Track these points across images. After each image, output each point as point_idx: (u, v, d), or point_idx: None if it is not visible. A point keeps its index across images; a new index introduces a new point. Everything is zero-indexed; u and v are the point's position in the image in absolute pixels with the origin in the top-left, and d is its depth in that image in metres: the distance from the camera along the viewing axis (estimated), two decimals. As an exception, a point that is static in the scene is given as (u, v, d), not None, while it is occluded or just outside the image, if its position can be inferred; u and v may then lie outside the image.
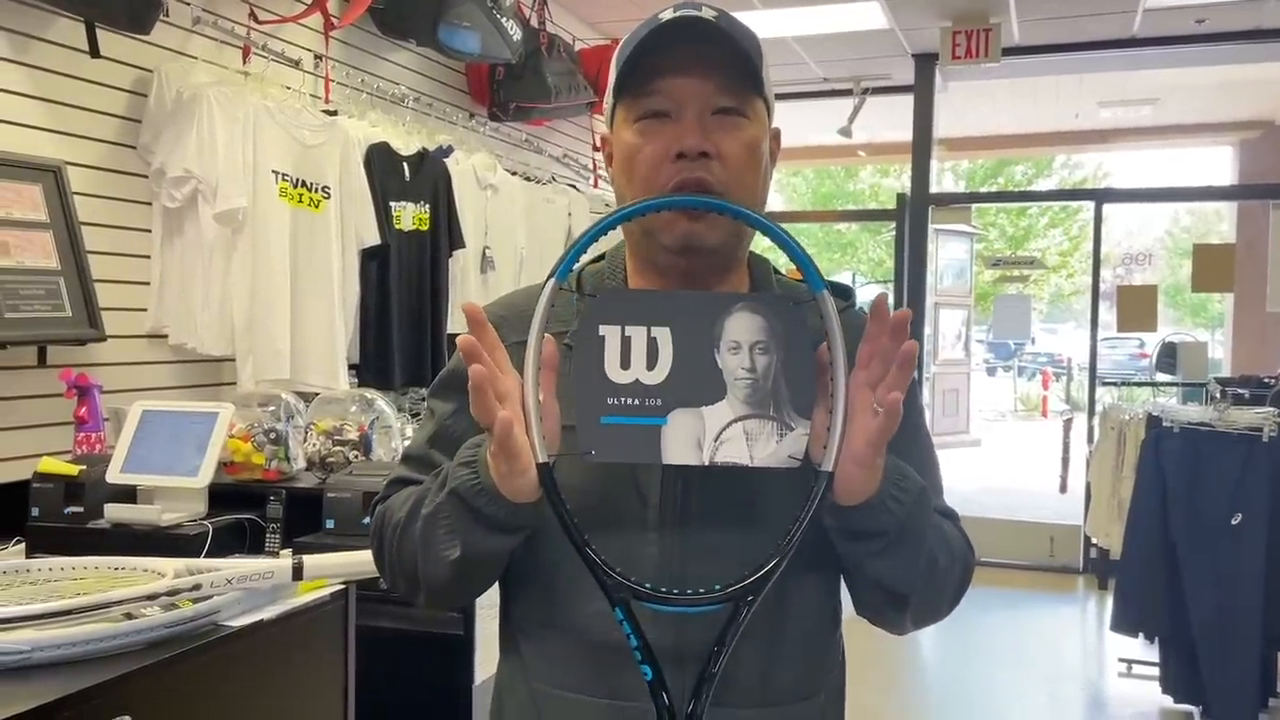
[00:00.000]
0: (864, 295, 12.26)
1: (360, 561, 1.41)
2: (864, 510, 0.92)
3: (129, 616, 1.21)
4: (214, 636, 1.27)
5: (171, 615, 1.22)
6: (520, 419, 0.87)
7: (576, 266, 1.17)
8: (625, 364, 0.89)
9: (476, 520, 0.94)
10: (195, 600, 1.27)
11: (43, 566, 1.36)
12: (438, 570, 0.98)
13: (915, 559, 0.98)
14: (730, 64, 1.00)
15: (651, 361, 0.89)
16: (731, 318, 0.89)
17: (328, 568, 1.41)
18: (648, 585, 0.88)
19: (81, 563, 1.35)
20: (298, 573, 1.36)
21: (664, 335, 0.89)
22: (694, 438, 0.88)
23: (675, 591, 0.89)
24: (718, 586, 0.89)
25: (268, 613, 1.36)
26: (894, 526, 0.94)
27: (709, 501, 0.99)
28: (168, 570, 1.27)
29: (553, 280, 0.88)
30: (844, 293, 1.21)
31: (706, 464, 0.88)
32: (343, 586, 1.52)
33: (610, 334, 0.89)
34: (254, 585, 1.30)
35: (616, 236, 1.19)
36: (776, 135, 1.10)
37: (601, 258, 1.17)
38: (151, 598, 1.18)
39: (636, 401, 0.88)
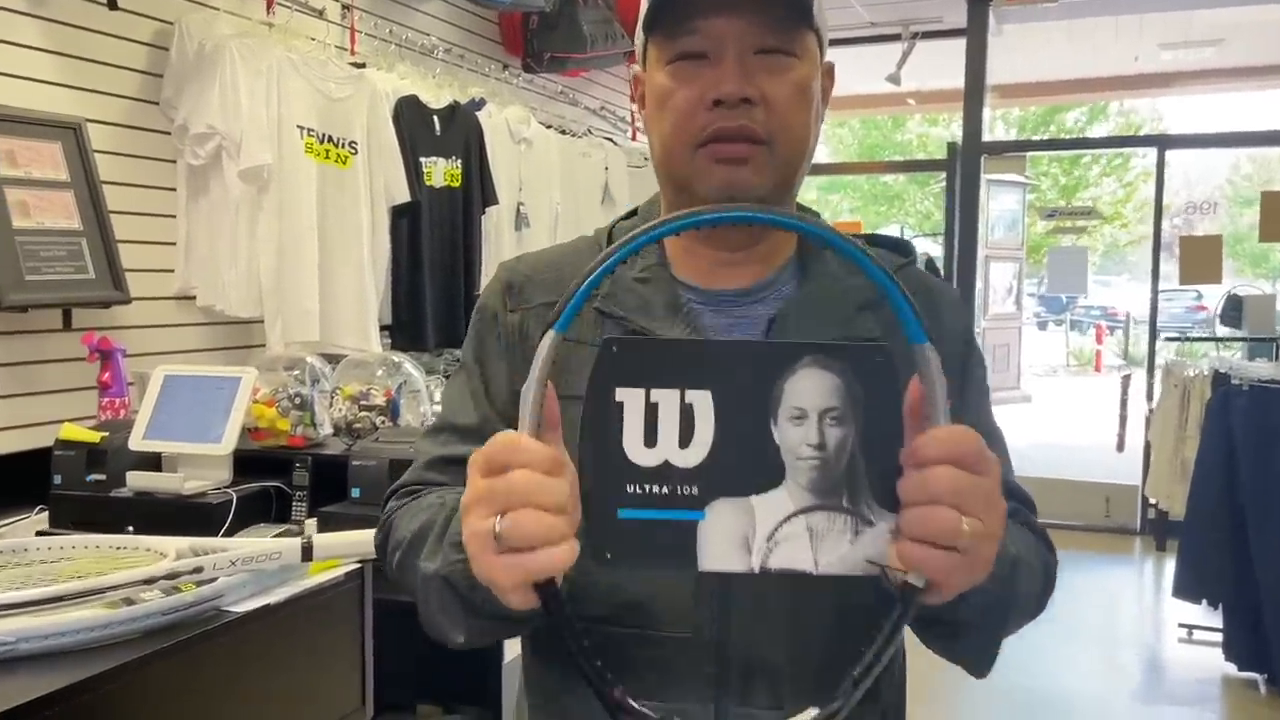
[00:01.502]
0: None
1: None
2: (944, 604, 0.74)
3: (127, 602, 1.13)
4: (218, 623, 1.18)
5: (170, 600, 1.14)
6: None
7: (604, 226, 1.07)
8: (651, 440, 0.68)
9: (477, 613, 0.80)
10: (198, 584, 1.19)
11: (40, 545, 1.29)
12: (445, 638, 0.86)
13: (997, 633, 0.86)
14: None
15: (686, 436, 0.68)
16: (795, 377, 0.68)
17: (339, 547, 1.33)
18: None
19: (82, 541, 1.28)
20: (307, 553, 1.28)
21: (703, 400, 0.68)
22: (741, 536, 0.68)
23: None
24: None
25: (276, 596, 1.28)
26: (977, 614, 0.79)
27: (756, 599, 0.87)
28: (170, 550, 1.20)
29: (552, 332, 0.67)
30: (902, 248, 1.08)
31: (757, 571, 0.68)
32: (358, 566, 1.43)
33: (630, 400, 0.68)
34: (260, 567, 1.21)
35: (647, 190, 1.08)
36: (829, 71, 0.97)
37: (634, 213, 1.06)
38: (149, 581, 1.10)
39: (666, 490, 0.68)
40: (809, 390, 0.68)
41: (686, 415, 0.68)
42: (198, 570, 1.16)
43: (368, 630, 1.46)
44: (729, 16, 0.87)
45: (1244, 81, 9.52)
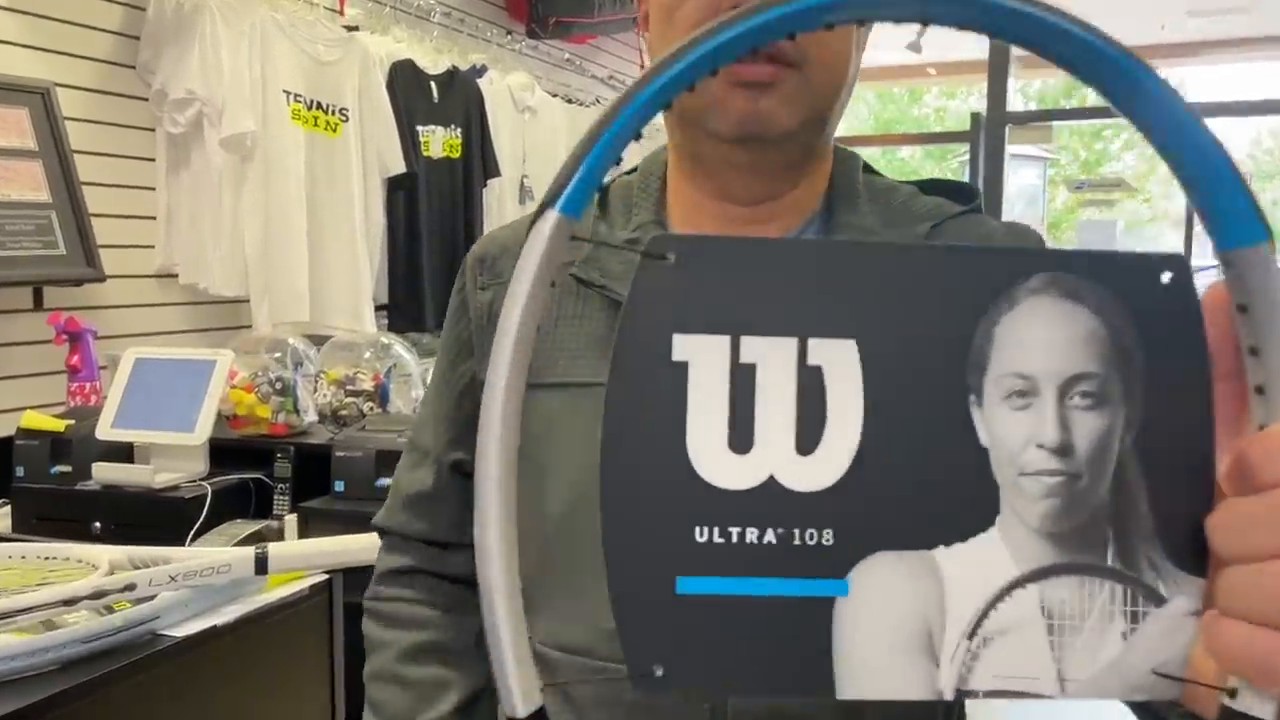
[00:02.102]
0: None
1: (342, 549, 1.16)
2: None
3: (48, 626, 0.97)
4: (153, 649, 1.02)
5: (97, 624, 0.97)
6: None
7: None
8: (743, 440, 0.36)
9: None
10: (135, 601, 1.03)
11: (-41, 557, 1.14)
12: None
13: None
14: None
15: (811, 432, 0.36)
16: (1014, 315, 0.37)
17: (300, 557, 1.16)
18: None
19: (5, 551, 1.12)
20: (262, 565, 1.11)
21: (841, 359, 0.36)
22: (919, 629, 0.37)
23: None
24: None
25: (225, 615, 1.11)
26: None
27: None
28: (103, 562, 1.04)
29: (554, 212, 0.36)
30: (960, 191, 0.80)
31: (950, 698, 0.36)
32: (324, 578, 1.26)
33: (703, 359, 0.36)
34: (206, 582, 1.04)
35: (661, 138, 0.89)
36: None
37: (635, 170, 0.88)
38: (70, 601, 0.94)
39: (772, 536, 0.36)
40: (1042, 341, 0.36)
41: (812, 389, 0.36)
42: (130, 587, 0.99)
43: (338, 650, 1.28)
44: None
45: (1273, 49, 9.26)
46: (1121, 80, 0.35)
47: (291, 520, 1.79)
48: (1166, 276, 0.37)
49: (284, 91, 2.58)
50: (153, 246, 2.54)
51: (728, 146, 0.72)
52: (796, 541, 0.36)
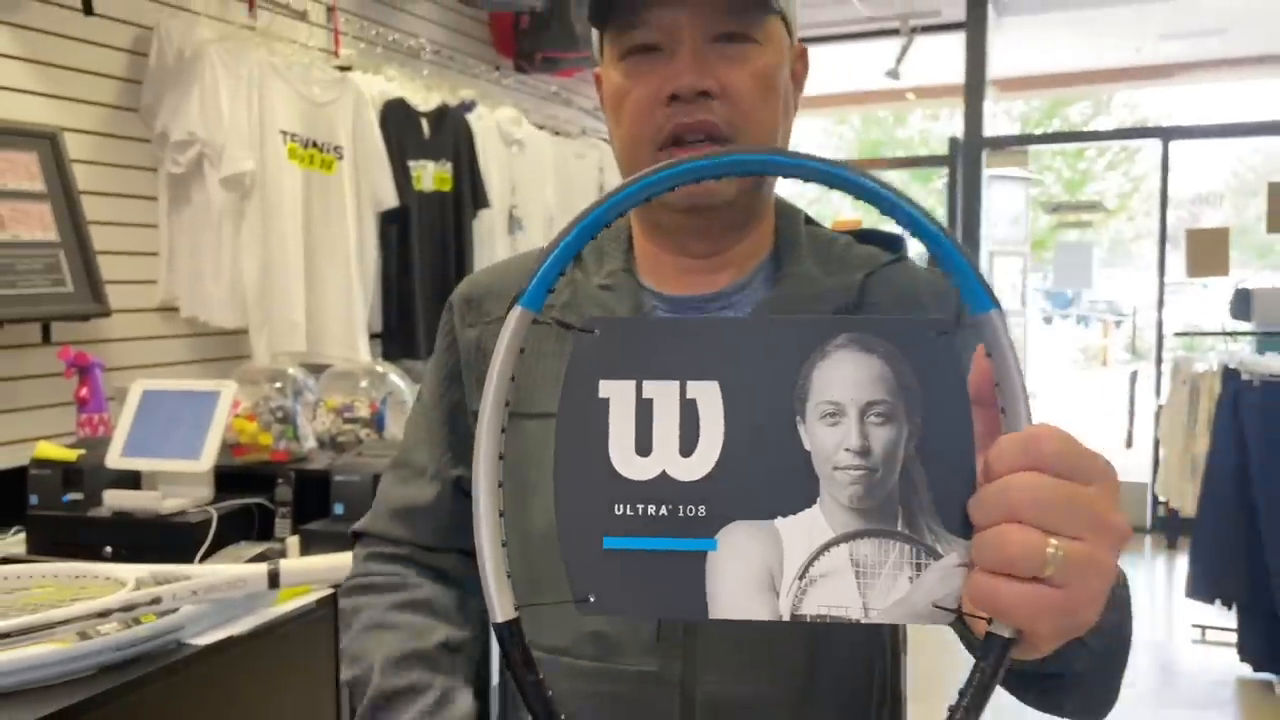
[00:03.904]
0: (915, 247, 11.89)
1: (346, 565, 1.25)
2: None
3: (82, 636, 1.07)
4: (177, 656, 1.12)
5: (127, 634, 1.07)
6: None
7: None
8: (644, 447, 0.54)
9: None
10: (160, 614, 1.12)
11: (-4, 576, 1.23)
12: None
13: (1116, 681, 0.70)
14: None
15: (689, 441, 0.53)
16: (826, 363, 0.53)
17: (309, 573, 1.26)
18: None
19: (40, 571, 1.21)
20: (274, 580, 1.21)
21: (709, 395, 0.53)
22: (764, 572, 0.52)
23: None
24: None
25: (241, 626, 1.21)
26: (1091, 664, 0.64)
27: (726, 630, 0.80)
28: (129, 580, 1.13)
29: (519, 308, 0.54)
30: (892, 242, 0.99)
31: (787, 618, 0.52)
32: (330, 591, 1.36)
33: (618, 396, 0.54)
34: (224, 596, 1.15)
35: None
36: (801, 55, 0.90)
37: None
38: (104, 614, 1.04)
39: (665, 511, 0.53)
40: (846, 379, 0.53)
41: (689, 414, 0.53)
42: (156, 601, 1.09)
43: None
44: (679, 4, 0.80)
45: (1248, 71, 9.43)
46: (897, 210, 0.52)
47: (294, 542, 1.88)
48: (938, 333, 0.53)
49: (281, 132, 2.69)
50: (154, 282, 2.63)
51: (680, 215, 0.83)
52: (681, 514, 0.53)
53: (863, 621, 0.52)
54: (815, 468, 0.53)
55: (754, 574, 0.52)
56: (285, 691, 1.32)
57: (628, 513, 0.53)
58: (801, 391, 0.53)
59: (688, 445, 0.53)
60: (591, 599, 0.53)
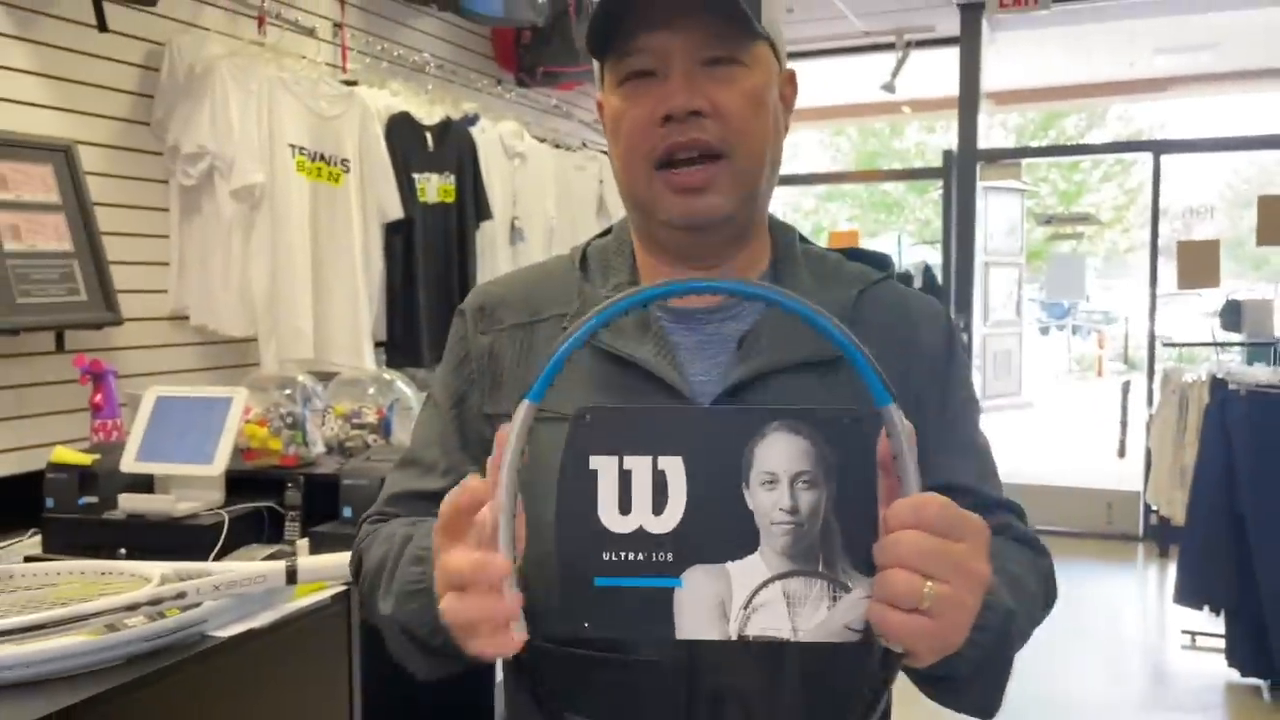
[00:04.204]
0: (911, 257, 11.98)
1: (361, 562, 1.32)
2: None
3: (111, 628, 1.13)
4: (201, 648, 1.18)
5: (154, 626, 1.14)
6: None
7: (579, 244, 1.06)
8: (625, 507, 0.68)
9: (435, 653, 0.83)
10: (183, 609, 1.18)
11: (26, 572, 1.29)
12: (409, 668, 0.89)
13: (999, 681, 0.84)
14: (716, 7, 0.86)
15: (659, 503, 0.68)
16: (764, 442, 0.68)
17: (325, 570, 1.32)
18: None
19: (67, 567, 1.27)
20: (292, 576, 1.27)
21: (675, 467, 0.68)
22: (717, 603, 0.68)
23: None
24: None
25: (261, 619, 1.28)
26: (972, 669, 0.78)
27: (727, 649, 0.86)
28: (154, 575, 1.19)
29: (526, 402, 0.68)
30: (879, 261, 1.07)
31: (734, 638, 0.68)
32: (344, 588, 1.43)
33: (604, 468, 0.68)
34: (245, 591, 1.21)
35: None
36: (790, 79, 0.97)
37: (609, 231, 1.05)
38: (132, 607, 1.10)
39: (641, 556, 0.68)
40: (779, 455, 0.68)
41: (659, 481, 0.68)
42: (181, 595, 1.15)
43: (355, 652, 1.45)
44: (670, 31, 0.86)
45: (1240, 85, 9.52)
46: (811, 323, 0.68)
47: (303, 544, 1.94)
48: (847, 421, 0.68)
49: (290, 145, 2.75)
50: (165, 291, 2.69)
51: (679, 231, 0.90)
52: (654, 559, 0.68)
53: (791, 640, 0.68)
54: (756, 523, 0.68)
55: (710, 605, 0.68)
56: (302, 681, 1.39)
57: (613, 558, 0.68)
58: (746, 464, 0.68)
59: (659, 506, 0.68)
60: (586, 625, 0.69)
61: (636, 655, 0.87)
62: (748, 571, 0.68)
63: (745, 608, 0.67)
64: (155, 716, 1.14)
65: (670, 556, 0.68)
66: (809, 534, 0.67)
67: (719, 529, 0.68)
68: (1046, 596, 0.95)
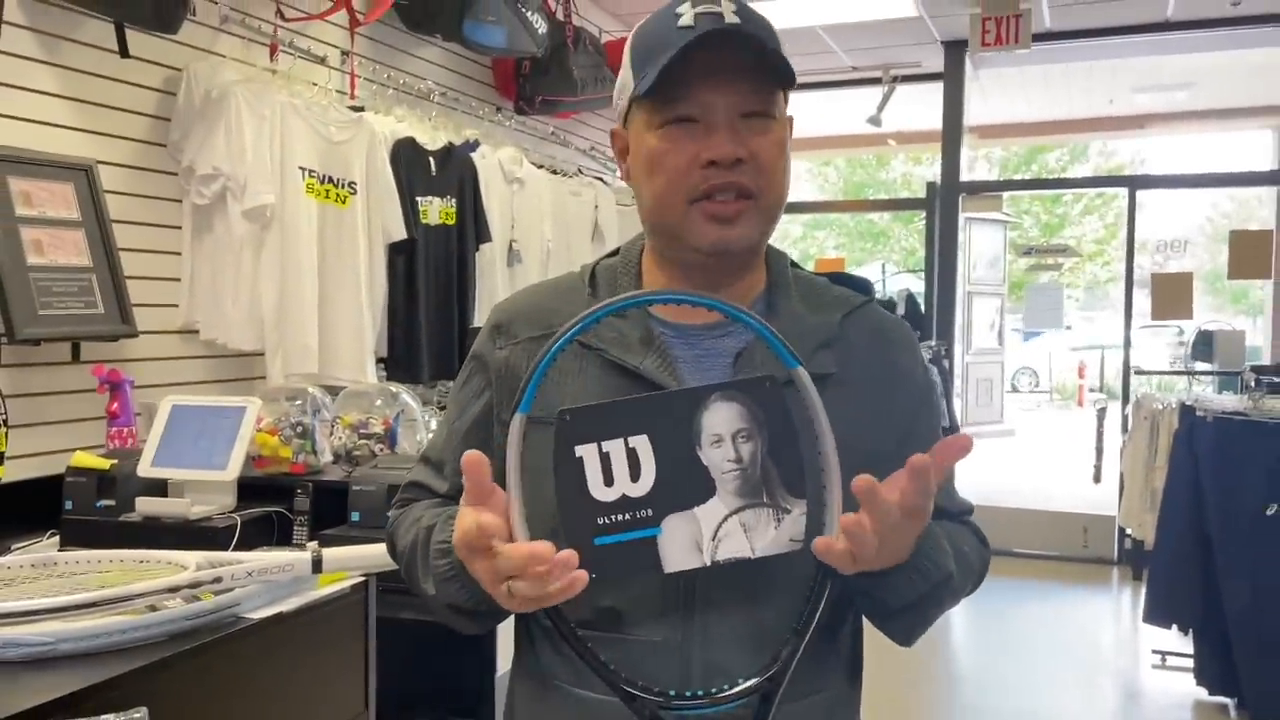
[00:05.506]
0: (895, 285, 12.16)
1: (379, 555, 1.42)
2: (878, 578, 0.93)
3: (151, 609, 1.23)
4: (235, 628, 1.30)
5: (193, 607, 1.25)
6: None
7: (588, 263, 1.18)
8: (609, 480, 0.85)
9: (482, 616, 1.01)
10: (217, 593, 1.29)
11: (69, 560, 1.39)
12: (456, 627, 1.05)
13: (925, 618, 1.03)
14: (758, 67, 1.00)
15: (635, 473, 0.86)
16: (708, 411, 0.87)
17: (347, 560, 1.43)
18: (671, 691, 0.90)
19: (107, 555, 1.38)
20: (317, 565, 1.38)
21: (642, 443, 0.86)
22: (692, 540, 0.86)
23: (700, 694, 0.91)
24: (740, 680, 0.91)
25: (288, 605, 1.39)
26: (903, 602, 0.98)
27: (716, 582, 0.99)
28: (190, 563, 1.30)
29: (519, 414, 0.86)
30: (862, 286, 1.20)
31: (709, 564, 0.87)
32: (363, 579, 1.54)
33: (587, 453, 0.85)
34: (274, 578, 1.32)
35: (636, 227, 1.19)
36: (790, 122, 1.10)
37: (616, 252, 1.16)
38: (173, 590, 1.21)
39: (627, 516, 0.86)
40: (720, 419, 0.87)
41: (632, 456, 0.85)
42: (217, 580, 1.26)
43: (371, 639, 1.57)
44: (717, 87, 0.99)
45: (1215, 123, 9.76)
46: (716, 305, 0.89)
47: (313, 547, 2.03)
48: (767, 384, 0.87)
49: (300, 168, 2.87)
50: (177, 305, 2.79)
51: (703, 256, 1.02)
52: (638, 516, 0.86)
53: (752, 558, 0.87)
54: (711, 474, 0.87)
55: (686, 543, 0.87)
56: (324, 661, 1.50)
57: (605, 521, 0.85)
58: (696, 431, 0.87)
59: (635, 475, 0.86)
60: (592, 576, 0.83)
61: (639, 636, 0.98)
62: (711, 512, 0.86)
63: (713, 539, 0.87)
64: (192, 688, 1.25)
65: (650, 512, 0.86)
66: (752, 476, 0.87)
67: (684, 484, 0.86)
68: (979, 577, 1.12)
